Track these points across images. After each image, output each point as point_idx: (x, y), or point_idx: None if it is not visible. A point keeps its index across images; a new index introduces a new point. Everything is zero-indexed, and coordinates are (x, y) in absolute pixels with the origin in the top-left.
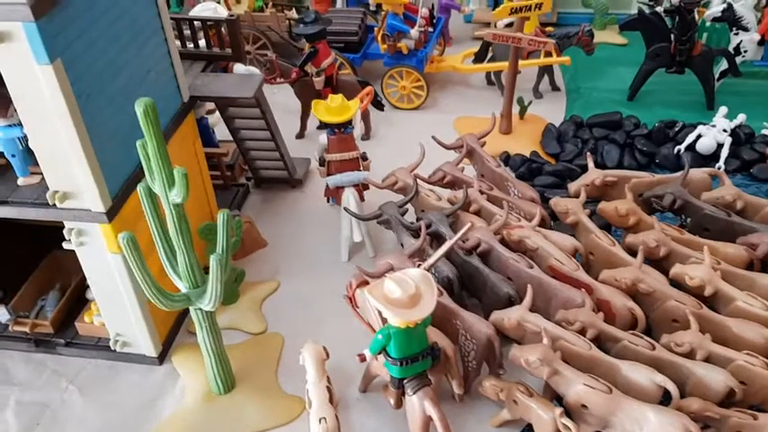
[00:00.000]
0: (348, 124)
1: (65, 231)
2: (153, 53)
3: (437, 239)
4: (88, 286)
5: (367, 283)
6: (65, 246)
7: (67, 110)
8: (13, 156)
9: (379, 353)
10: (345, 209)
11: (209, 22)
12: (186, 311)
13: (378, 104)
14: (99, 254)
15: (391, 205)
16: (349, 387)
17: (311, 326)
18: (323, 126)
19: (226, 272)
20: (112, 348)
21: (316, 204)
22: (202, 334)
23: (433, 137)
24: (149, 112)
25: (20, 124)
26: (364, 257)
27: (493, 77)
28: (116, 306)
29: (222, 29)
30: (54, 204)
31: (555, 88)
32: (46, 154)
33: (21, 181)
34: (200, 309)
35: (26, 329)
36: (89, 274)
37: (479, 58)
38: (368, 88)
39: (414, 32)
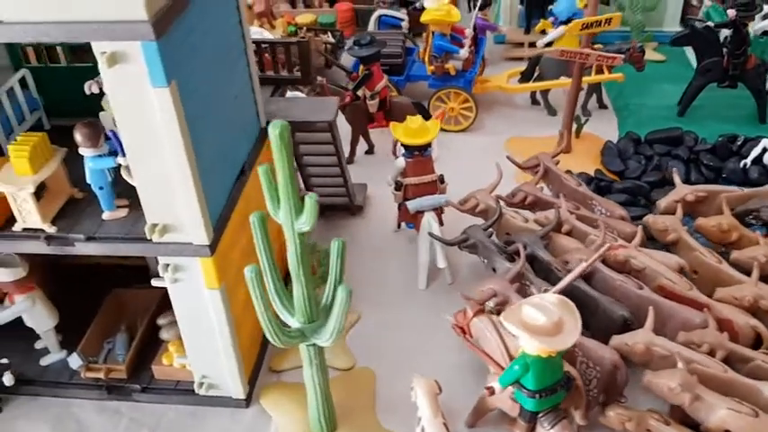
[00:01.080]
0: (428, 146)
1: (160, 267)
2: (240, 77)
3: (531, 263)
4: (161, 326)
5: (482, 311)
6: (154, 283)
7: (180, 136)
8: (101, 188)
9: (512, 384)
10: (431, 234)
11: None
12: (265, 349)
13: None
14: (195, 290)
15: (477, 229)
16: (452, 423)
17: (400, 358)
18: (370, 151)
19: None
20: (196, 392)
21: (379, 231)
22: (312, 371)
23: (508, 156)
24: (284, 135)
25: (110, 155)
26: (440, 284)
27: (539, 97)
28: (206, 346)
29: (292, 51)
30: (150, 239)
31: (602, 106)
32: (148, 185)
33: (107, 215)
34: (314, 345)
35: (100, 375)
36: (181, 312)
37: (526, 77)
38: (441, 110)
39: (464, 52)
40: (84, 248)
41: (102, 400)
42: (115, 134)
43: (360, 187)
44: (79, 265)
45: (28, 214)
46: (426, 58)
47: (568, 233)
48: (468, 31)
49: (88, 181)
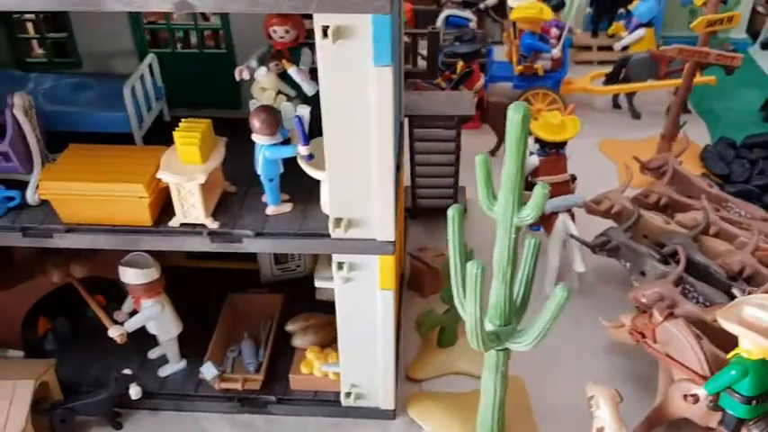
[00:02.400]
0: (564, 144)
1: (333, 265)
2: (398, 66)
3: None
4: (292, 333)
5: (672, 315)
6: (318, 284)
7: (391, 121)
8: (271, 180)
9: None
10: (573, 236)
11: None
12: (399, 357)
13: None
14: (367, 291)
15: (618, 231)
16: None
17: (545, 364)
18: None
19: None
20: (341, 403)
21: (483, 234)
22: (495, 379)
23: (635, 157)
24: (526, 121)
25: (284, 143)
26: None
27: (620, 100)
28: (363, 352)
29: (419, 42)
30: (327, 235)
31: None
32: (341, 175)
33: (271, 210)
34: (505, 349)
35: (236, 386)
36: (345, 314)
37: (612, 79)
38: (572, 105)
39: (556, 52)
40: (252, 245)
41: (233, 414)
42: (301, 121)
43: (460, 190)
44: (182, 268)
45: (191, 208)
46: (514, 58)
47: (715, 235)
48: (555, 31)
49: (258, 172)
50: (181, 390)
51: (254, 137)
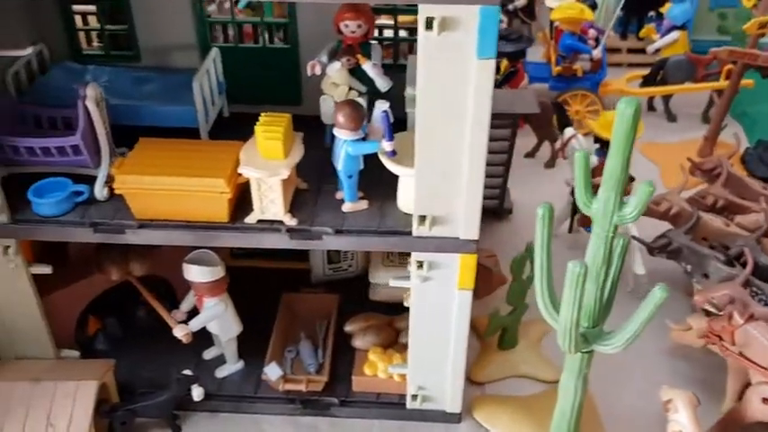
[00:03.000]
0: None
1: (412, 264)
2: None
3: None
4: (351, 334)
5: (752, 317)
6: (392, 283)
7: (488, 115)
8: (350, 177)
9: None
10: (634, 237)
11: None
12: None
13: (566, 126)
14: (444, 291)
15: (678, 232)
16: None
17: (605, 368)
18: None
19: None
20: (406, 405)
21: (529, 236)
22: (576, 382)
23: (689, 158)
24: (638, 116)
25: (363, 139)
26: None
27: (655, 103)
28: (434, 353)
29: None
30: (408, 232)
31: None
32: (429, 171)
33: (348, 207)
34: (590, 352)
35: (301, 387)
36: (420, 314)
37: (649, 81)
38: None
39: (596, 52)
40: (331, 243)
41: (295, 416)
42: (387, 116)
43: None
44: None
45: (270, 204)
46: (552, 59)
47: None
48: (592, 32)
49: (338, 168)
50: (240, 391)
51: (337, 132)
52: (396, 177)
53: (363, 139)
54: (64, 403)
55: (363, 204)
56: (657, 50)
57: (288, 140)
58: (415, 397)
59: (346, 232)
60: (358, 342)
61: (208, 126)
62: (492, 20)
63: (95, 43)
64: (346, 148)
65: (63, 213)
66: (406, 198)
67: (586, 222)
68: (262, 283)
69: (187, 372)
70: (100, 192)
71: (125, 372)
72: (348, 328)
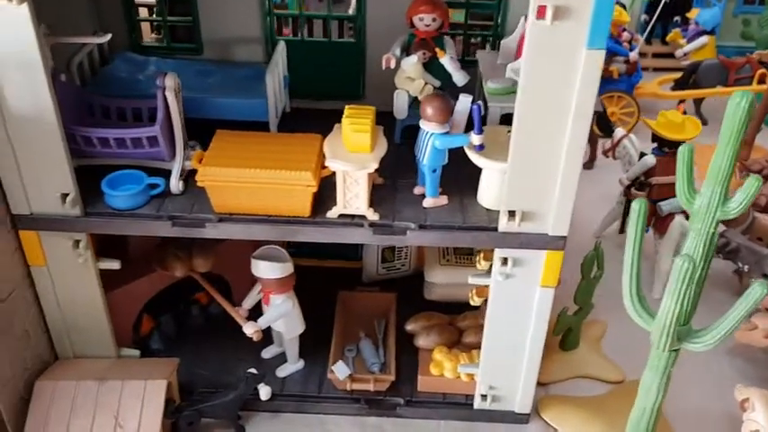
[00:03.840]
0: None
1: (496, 260)
2: None
3: None
4: (413, 333)
5: None
6: (471, 280)
7: (591, 107)
8: (434, 171)
9: None
10: None
11: None
12: None
13: (607, 128)
14: (526, 288)
15: (736, 233)
16: None
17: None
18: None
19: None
20: (474, 405)
21: (575, 237)
22: (660, 381)
23: (740, 160)
24: (752, 110)
25: (447, 133)
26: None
27: (688, 106)
28: (509, 353)
29: None
30: (493, 228)
31: None
32: (524, 165)
33: (429, 202)
34: (676, 350)
35: (368, 387)
36: (498, 313)
37: (681, 84)
38: (682, 105)
39: (633, 55)
40: (415, 238)
41: (361, 416)
42: (479, 108)
43: None
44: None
45: (354, 198)
46: None
47: None
48: (626, 35)
49: (424, 162)
50: (304, 390)
51: (424, 124)
52: (473, 173)
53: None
54: (132, 403)
55: (444, 200)
56: (686, 55)
57: (374, 133)
58: (484, 397)
59: (430, 227)
60: (421, 341)
61: (276, 120)
62: (607, 9)
63: (153, 35)
64: (433, 142)
65: (137, 206)
66: (490, 193)
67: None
68: (313, 282)
69: (253, 370)
70: (175, 185)
71: (182, 371)
72: (409, 327)
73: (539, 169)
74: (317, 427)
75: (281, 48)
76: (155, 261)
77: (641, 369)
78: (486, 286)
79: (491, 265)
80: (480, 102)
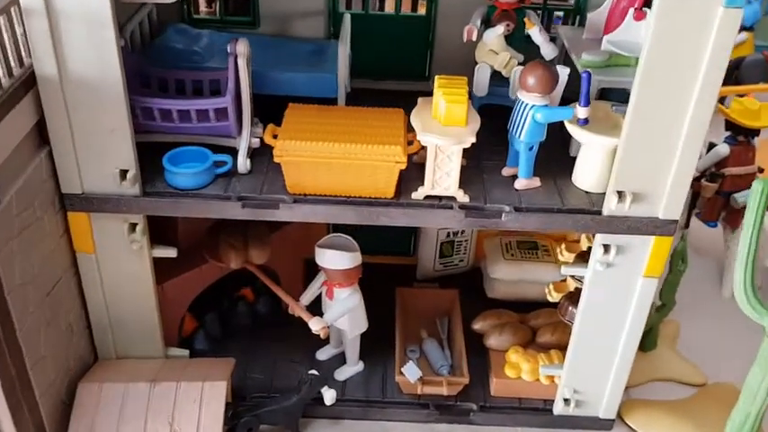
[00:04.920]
0: (757, 132)
1: (596, 248)
2: None
3: None
4: (482, 333)
5: None
6: (564, 271)
7: (723, 70)
8: (531, 149)
9: None
10: None
11: None
12: None
13: None
14: (627, 279)
15: None
16: None
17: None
18: None
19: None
20: (554, 411)
21: None
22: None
23: None
24: None
25: (547, 106)
26: None
27: (727, 102)
28: (599, 352)
29: None
30: (598, 211)
31: None
32: (641, 141)
33: (522, 184)
34: None
35: (441, 390)
36: (592, 307)
37: (723, 80)
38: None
39: None
40: (511, 221)
41: (429, 423)
42: (589, 77)
43: None
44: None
45: (444, 177)
46: None
47: None
48: None
49: (521, 138)
50: (366, 395)
51: (524, 96)
52: (564, 154)
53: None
54: (189, 407)
55: (537, 182)
56: None
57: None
58: (567, 401)
59: (526, 210)
60: (492, 341)
61: (345, 97)
62: None
63: (204, 8)
64: (533, 115)
65: (202, 186)
66: (591, 174)
67: (710, 216)
68: (363, 280)
69: (315, 372)
70: (243, 163)
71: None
72: (477, 326)
73: (656, 145)
74: None
75: (348, 20)
76: (206, 251)
77: (720, 371)
78: (565, 280)
79: (576, 256)
80: (589, 71)
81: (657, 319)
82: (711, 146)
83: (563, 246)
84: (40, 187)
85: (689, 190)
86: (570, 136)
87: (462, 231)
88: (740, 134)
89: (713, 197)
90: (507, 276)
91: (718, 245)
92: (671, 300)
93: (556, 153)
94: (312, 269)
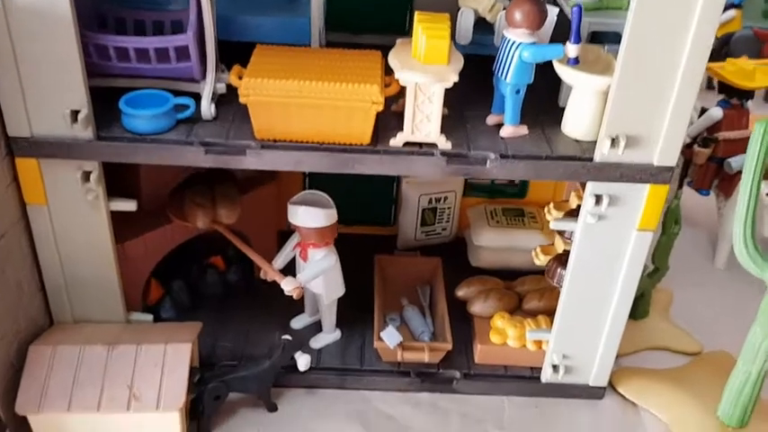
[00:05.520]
0: (751, 96)
1: (587, 200)
2: None
3: None
4: (466, 300)
5: None
6: (554, 226)
7: (720, 5)
8: (518, 92)
9: None
10: None
11: None
12: None
13: None
14: (621, 232)
15: None
16: None
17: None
18: None
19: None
20: (542, 378)
21: None
22: None
23: None
24: None
25: (534, 44)
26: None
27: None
28: (589, 314)
29: None
30: (590, 158)
31: None
32: (635, 81)
33: (508, 131)
34: None
35: (422, 357)
36: (582, 263)
37: (712, 56)
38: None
39: None
40: (496, 170)
41: (411, 392)
42: (580, 10)
43: None
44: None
45: (424, 122)
46: None
47: None
48: None
49: (507, 80)
50: (344, 363)
51: (510, 33)
52: (553, 104)
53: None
54: (150, 371)
55: (524, 129)
56: None
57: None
58: (555, 368)
59: (513, 158)
60: (477, 308)
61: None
62: None
63: None
64: (521, 54)
65: (162, 131)
66: (580, 120)
67: (703, 184)
68: (341, 250)
69: (287, 337)
70: (207, 108)
71: (199, 343)
72: (461, 293)
73: (651, 85)
74: (361, 404)
75: None
76: (171, 211)
77: (713, 341)
78: (552, 244)
79: (565, 214)
80: (580, 3)
81: (650, 285)
82: (703, 111)
83: (551, 204)
84: None
85: (680, 158)
86: (559, 85)
87: (445, 198)
88: (733, 97)
89: (705, 164)
90: (492, 243)
91: (710, 215)
92: (664, 264)
93: (544, 104)
94: (285, 242)
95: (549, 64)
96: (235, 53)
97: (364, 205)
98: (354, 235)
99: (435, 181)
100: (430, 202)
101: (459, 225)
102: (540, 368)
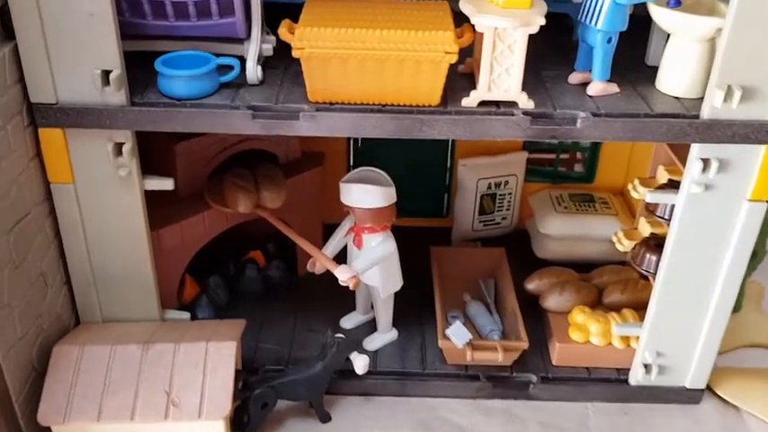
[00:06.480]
0: None
1: (692, 164)
2: None
3: None
4: (538, 294)
5: None
6: (650, 198)
7: None
8: (609, 41)
9: None
10: None
11: None
12: None
13: None
14: (730, 203)
15: None
16: None
17: None
18: None
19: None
20: (631, 381)
21: None
22: None
23: None
24: None
25: None
26: None
27: None
28: (688, 304)
29: None
30: (696, 116)
31: None
32: (755, 21)
33: (596, 89)
34: None
35: (495, 357)
36: (683, 243)
37: None
38: None
39: None
40: (589, 130)
41: (481, 399)
42: None
43: None
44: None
45: (503, 76)
46: None
47: None
48: None
49: (599, 27)
50: (404, 367)
51: None
52: (640, 63)
53: None
54: (190, 373)
55: (614, 87)
56: None
57: None
58: (647, 368)
59: (606, 116)
60: (551, 303)
61: None
62: None
63: None
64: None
65: (203, 95)
66: (681, 74)
67: None
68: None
69: (341, 335)
70: (253, 70)
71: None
72: (532, 285)
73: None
74: (426, 413)
75: None
76: (209, 196)
77: None
78: (636, 228)
79: (656, 188)
80: None
81: (746, 272)
82: None
83: (636, 181)
84: (3, 94)
85: None
86: (646, 42)
87: (506, 182)
88: None
89: None
90: (561, 232)
91: None
92: (762, 247)
93: (629, 63)
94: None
95: (630, 19)
96: (278, 18)
97: (415, 194)
98: (404, 227)
99: (495, 163)
100: (489, 186)
101: (520, 216)
102: (629, 369)
